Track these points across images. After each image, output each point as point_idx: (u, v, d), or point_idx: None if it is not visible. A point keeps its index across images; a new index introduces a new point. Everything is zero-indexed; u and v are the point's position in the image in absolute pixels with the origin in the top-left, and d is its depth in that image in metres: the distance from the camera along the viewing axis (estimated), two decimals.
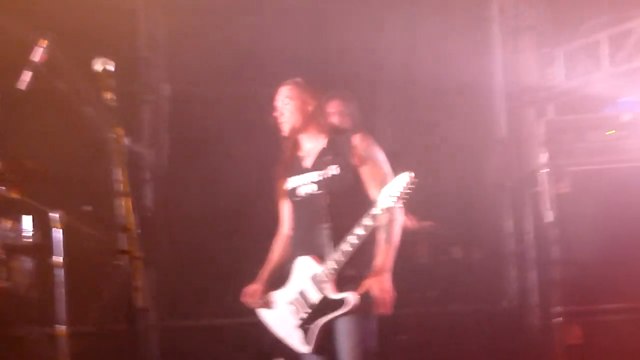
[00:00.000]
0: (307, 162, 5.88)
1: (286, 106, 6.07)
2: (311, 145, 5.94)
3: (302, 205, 5.79)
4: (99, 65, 4.51)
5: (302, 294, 5.61)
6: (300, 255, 5.66)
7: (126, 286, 3.90)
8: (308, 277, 5.57)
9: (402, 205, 5.40)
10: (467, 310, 9.08)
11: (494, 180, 9.91)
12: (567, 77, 9.55)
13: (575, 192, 8.42)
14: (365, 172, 5.68)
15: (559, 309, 8.26)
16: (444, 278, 8.39)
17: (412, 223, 7.50)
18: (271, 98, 9.23)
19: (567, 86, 9.53)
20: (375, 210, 5.33)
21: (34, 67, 5.39)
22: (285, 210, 6.04)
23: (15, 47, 8.23)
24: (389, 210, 5.38)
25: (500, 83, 10.08)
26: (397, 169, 8.03)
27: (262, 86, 9.31)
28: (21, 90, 5.43)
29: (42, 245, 7.24)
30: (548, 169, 8.52)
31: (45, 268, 7.05)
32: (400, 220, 5.67)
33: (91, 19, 8.45)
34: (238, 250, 8.54)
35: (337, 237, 5.42)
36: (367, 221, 5.34)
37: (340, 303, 5.42)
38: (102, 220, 6.96)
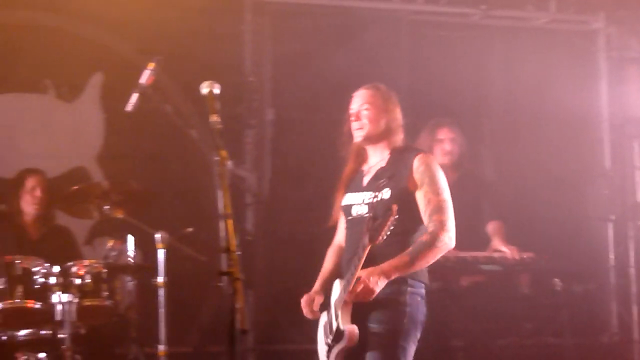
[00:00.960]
0: (366, 180, 5.46)
1: (365, 112, 5.55)
2: (375, 160, 5.49)
3: (352, 225, 5.36)
4: (205, 88, 4.55)
5: (329, 319, 5.28)
6: (342, 277, 5.27)
7: (226, 308, 3.91)
8: (333, 301, 5.24)
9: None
10: (566, 344, 8.92)
11: (597, 212, 9.74)
12: None
13: None
14: (420, 197, 5.28)
15: None
16: (543, 309, 8.26)
17: (513, 254, 7.42)
18: None
19: None
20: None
21: (141, 90, 5.47)
22: (342, 224, 5.58)
23: (124, 69, 8.47)
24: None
25: (605, 114, 9.92)
26: (497, 199, 8.06)
27: None
28: (128, 112, 5.52)
29: (143, 265, 7.35)
30: None
31: (145, 288, 7.15)
32: (441, 247, 5.23)
33: (198, 43, 8.58)
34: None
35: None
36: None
37: (340, 335, 5.09)
38: (204, 242, 7.05)
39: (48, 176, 7.91)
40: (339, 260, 5.50)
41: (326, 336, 5.28)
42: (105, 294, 6.88)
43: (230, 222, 4.04)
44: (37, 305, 6.70)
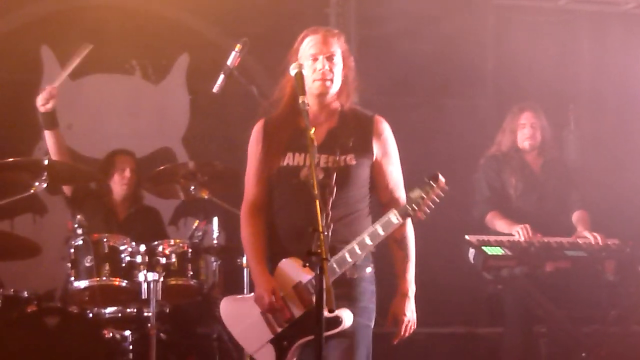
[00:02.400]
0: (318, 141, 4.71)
1: (336, 61, 4.85)
2: (320, 118, 4.86)
3: (297, 190, 4.69)
4: (294, 69, 4.57)
5: (284, 302, 4.72)
6: (285, 254, 4.73)
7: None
8: (291, 284, 4.71)
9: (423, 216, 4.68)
10: None
11: None
12: None
13: None
14: (379, 167, 4.83)
15: None
16: (628, 297, 8.15)
17: (597, 240, 7.35)
18: (454, 109, 9.31)
19: None
20: (393, 218, 4.65)
21: (228, 71, 5.49)
22: (260, 184, 4.87)
23: (210, 51, 8.54)
24: (404, 220, 4.69)
25: None
26: (582, 185, 7.97)
27: (446, 96, 9.38)
28: (213, 94, 5.55)
29: (228, 246, 7.41)
30: None
31: (229, 268, 7.20)
32: (412, 232, 4.91)
33: (283, 25, 8.60)
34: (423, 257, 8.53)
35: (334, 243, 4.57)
36: (379, 230, 4.66)
37: (335, 322, 4.60)
38: None
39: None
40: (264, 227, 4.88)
41: (273, 323, 4.78)
42: (190, 273, 6.93)
43: (317, 202, 4.04)
44: (123, 284, 6.77)
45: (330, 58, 4.78)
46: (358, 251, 4.63)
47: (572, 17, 9.70)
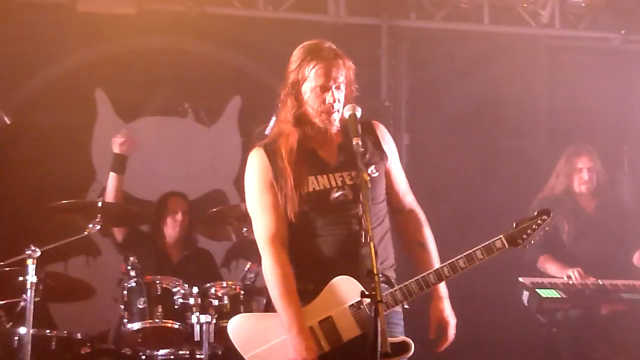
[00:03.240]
0: (327, 158, 4.65)
1: (341, 92, 4.62)
2: (324, 136, 4.68)
3: (329, 211, 4.56)
4: (348, 111, 4.54)
5: (329, 323, 4.50)
6: (324, 281, 4.51)
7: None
8: (347, 304, 4.48)
9: None
10: None
11: None
12: None
13: None
14: (392, 174, 4.72)
15: None
16: None
17: None
18: (513, 152, 9.27)
19: None
20: (498, 243, 4.60)
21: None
22: (286, 218, 4.58)
23: (261, 93, 8.57)
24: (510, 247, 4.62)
25: None
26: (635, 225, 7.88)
27: (498, 137, 9.35)
28: (266, 136, 5.55)
29: None
30: None
31: None
32: (432, 235, 4.86)
33: None
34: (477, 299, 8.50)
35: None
36: (479, 253, 4.57)
37: (407, 347, 4.49)
38: None
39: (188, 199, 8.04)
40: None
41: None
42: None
43: (372, 244, 4.03)
44: (176, 325, 6.78)
45: (338, 87, 4.59)
46: (447, 273, 4.54)
47: (625, 56, 9.64)
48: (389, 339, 4.09)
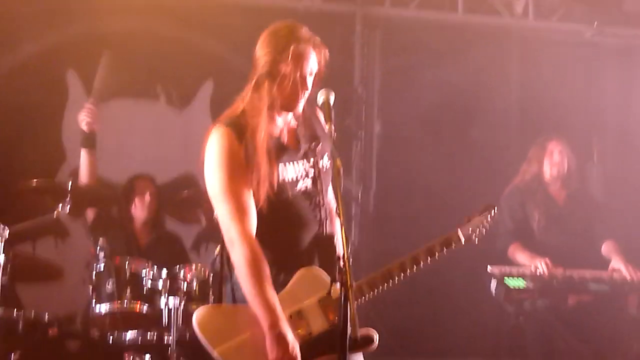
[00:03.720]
0: (291, 146, 4.54)
1: (311, 78, 4.50)
2: (280, 119, 4.55)
3: (295, 202, 4.46)
4: (321, 96, 4.48)
5: (299, 316, 4.38)
6: (288, 272, 4.40)
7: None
8: (316, 296, 4.38)
9: None
10: None
11: None
12: None
13: None
14: (336, 165, 4.28)
15: None
16: None
17: (632, 274, 7.31)
18: (484, 143, 9.29)
19: None
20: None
21: None
22: (252, 206, 4.37)
23: (234, 78, 8.51)
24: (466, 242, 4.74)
25: None
26: (607, 218, 7.92)
27: (469, 127, 9.38)
28: None
29: None
30: None
31: None
32: None
33: None
34: (445, 288, 8.53)
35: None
36: (437, 247, 4.65)
37: (370, 340, 4.39)
38: None
39: (157, 182, 8.01)
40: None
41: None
42: (211, 298, 6.90)
43: (343, 229, 4.02)
44: (145, 308, 6.77)
45: (311, 74, 4.46)
46: (408, 266, 4.54)
47: (597, 50, 9.69)
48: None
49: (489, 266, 7.26)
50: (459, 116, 9.34)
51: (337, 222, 4.13)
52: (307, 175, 4.48)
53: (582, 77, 9.59)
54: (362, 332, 4.20)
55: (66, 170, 8.74)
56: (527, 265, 7.35)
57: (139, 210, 7.68)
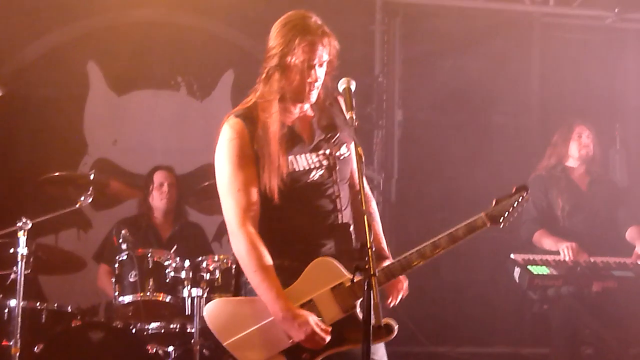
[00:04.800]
0: (305, 136, 4.54)
1: (322, 69, 4.50)
2: (296, 109, 4.56)
3: (305, 192, 4.44)
4: (342, 84, 4.47)
5: (311, 306, 4.36)
6: (300, 262, 4.40)
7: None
8: (328, 287, 4.37)
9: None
10: None
11: None
12: None
13: None
14: (355, 152, 4.27)
15: None
16: None
17: None
18: (506, 130, 9.27)
19: None
20: (479, 221, 4.54)
21: None
22: (254, 196, 4.41)
23: (255, 68, 8.53)
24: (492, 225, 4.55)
25: None
26: (630, 204, 7.88)
27: (490, 114, 9.35)
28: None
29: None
30: None
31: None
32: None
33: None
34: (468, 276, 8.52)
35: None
36: (461, 232, 4.51)
37: (390, 330, 4.39)
38: None
39: (179, 173, 8.02)
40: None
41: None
42: (234, 289, 6.90)
43: (366, 217, 4.00)
44: (167, 299, 6.79)
45: (321, 65, 4.47)
46: (429, 253, 4.46)
47: (619, 35, 9.63)
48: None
49: (512, 254, 7.23)
50: (480, 104, 9.30)
51: (360, 210, 4.12)
52: (321, 166, 4.49)
53: (603, 63, 9.53)
54: (382, 321, 4.20)
55: (88, 162, 8.76)
56: (553, 251, 7.31)
57: (157, 200, 7.70)
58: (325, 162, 4.49)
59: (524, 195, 4.66)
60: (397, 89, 9.25)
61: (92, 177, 6.98)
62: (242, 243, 4.37)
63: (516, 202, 4.61)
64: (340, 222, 4.48)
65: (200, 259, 6.86)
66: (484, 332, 8.65)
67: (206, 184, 7.45)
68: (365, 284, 3.85)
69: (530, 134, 9.31)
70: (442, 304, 8.75)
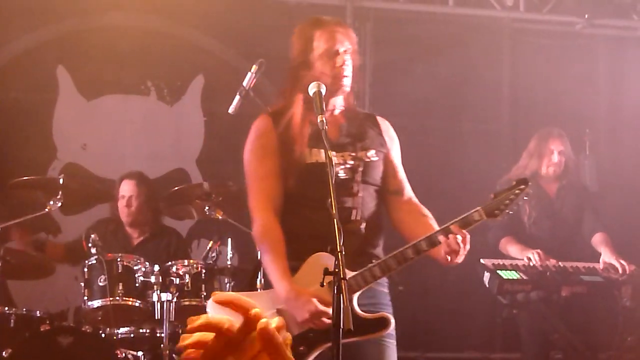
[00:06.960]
0: (331, 135, 4.60)
1: (349, 58, 4.73)
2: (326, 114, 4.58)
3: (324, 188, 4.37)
4: (313, 88, 4.50)
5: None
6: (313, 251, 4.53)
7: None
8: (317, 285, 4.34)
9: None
10: None
11: None
12: None
13: None
14: (393, 162, 4.83)
15: None
16: None
17: (625, 268, 7.29)
18: (476, 136, 9.29)
19: None
20: (475, 216, 4.60)
21: (243, 92, 5.48)
22: (273, 186, 4.70)
23: (225, 72, 8.55)
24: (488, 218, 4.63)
25: None
26: (599, 210, 7.91)
27: (461, 120, 9.37)
28: (228, 115, 5.54)
29: (241, 267, 7.38)
30: None
31: (242, 289, 7.16)
32: None
33: None
34: (438, 281, 8.52)
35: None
36: (456, 226, 4.55)
37: (380, 324, 4.53)
38: None
39: (149, 178, 7.95)
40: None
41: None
42: (204, 294, 6.89)
43: (337, 221, 4.00)
44: (137, 304, 6.77)
45: (346, 52, 4.70)
46: (425, 247, 4.55)
47: (589, 41, 9.67)
48: (367, 315, 4.36)
49: (481, 259, 7.25)
50: (451, 109, 9.32)
51: (393, 216, 4.56)
52: (344, 163, 4.68)
53: (573, 68, 9.57)
54: (377, 315, 4.48)
55: (57, 166, 8.71)
56: (519, 258, 7.34)
57: (122, 213, 7.58)
58: (348, 162, 4.69)
59: (524, 187, 4.72)
60: (368, 94, 9.25)
61: (61, 181, 6.94)
62: (258, 225, 4.64)
63: (514, 195, 4.68)
64: (353, 219, 4.63)
65: (169, 263, 6.84)
66: (454, 337, 8.67)
67: (176, 188, 7.44)
68: (335, 287, 3.87)
69: (500, 140, 9.34)
70: (412, 309, 8.74)
